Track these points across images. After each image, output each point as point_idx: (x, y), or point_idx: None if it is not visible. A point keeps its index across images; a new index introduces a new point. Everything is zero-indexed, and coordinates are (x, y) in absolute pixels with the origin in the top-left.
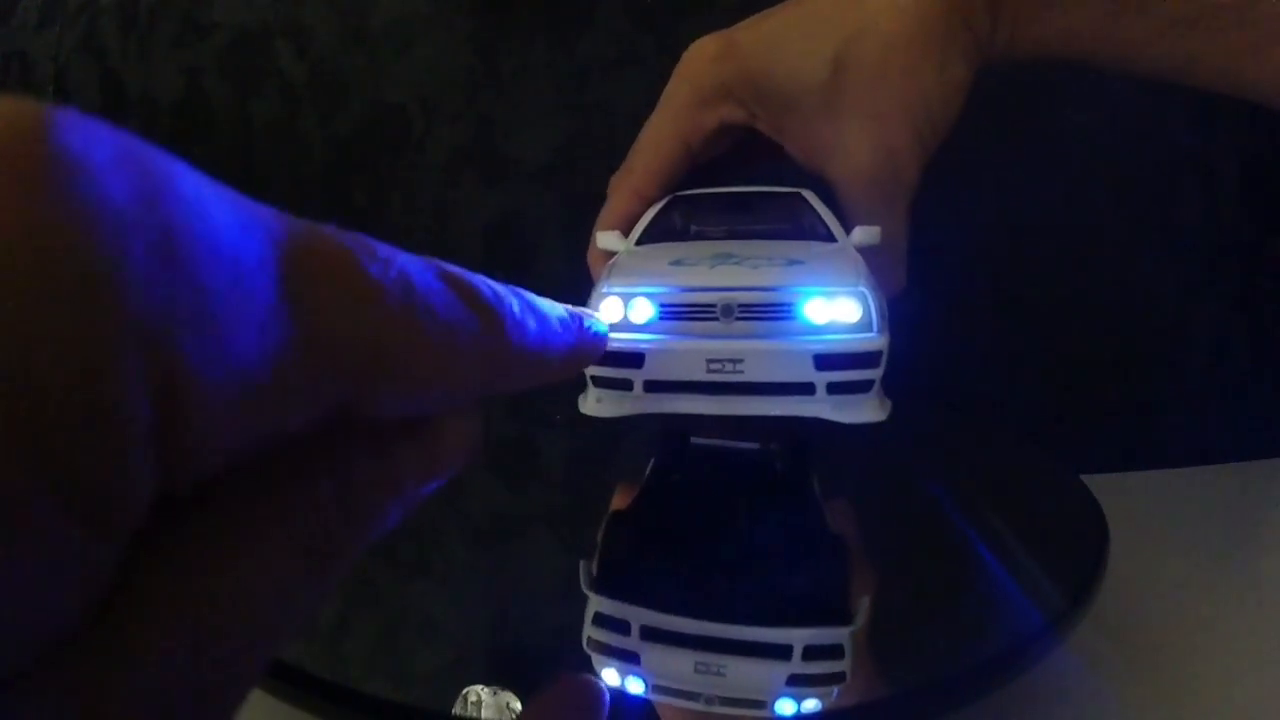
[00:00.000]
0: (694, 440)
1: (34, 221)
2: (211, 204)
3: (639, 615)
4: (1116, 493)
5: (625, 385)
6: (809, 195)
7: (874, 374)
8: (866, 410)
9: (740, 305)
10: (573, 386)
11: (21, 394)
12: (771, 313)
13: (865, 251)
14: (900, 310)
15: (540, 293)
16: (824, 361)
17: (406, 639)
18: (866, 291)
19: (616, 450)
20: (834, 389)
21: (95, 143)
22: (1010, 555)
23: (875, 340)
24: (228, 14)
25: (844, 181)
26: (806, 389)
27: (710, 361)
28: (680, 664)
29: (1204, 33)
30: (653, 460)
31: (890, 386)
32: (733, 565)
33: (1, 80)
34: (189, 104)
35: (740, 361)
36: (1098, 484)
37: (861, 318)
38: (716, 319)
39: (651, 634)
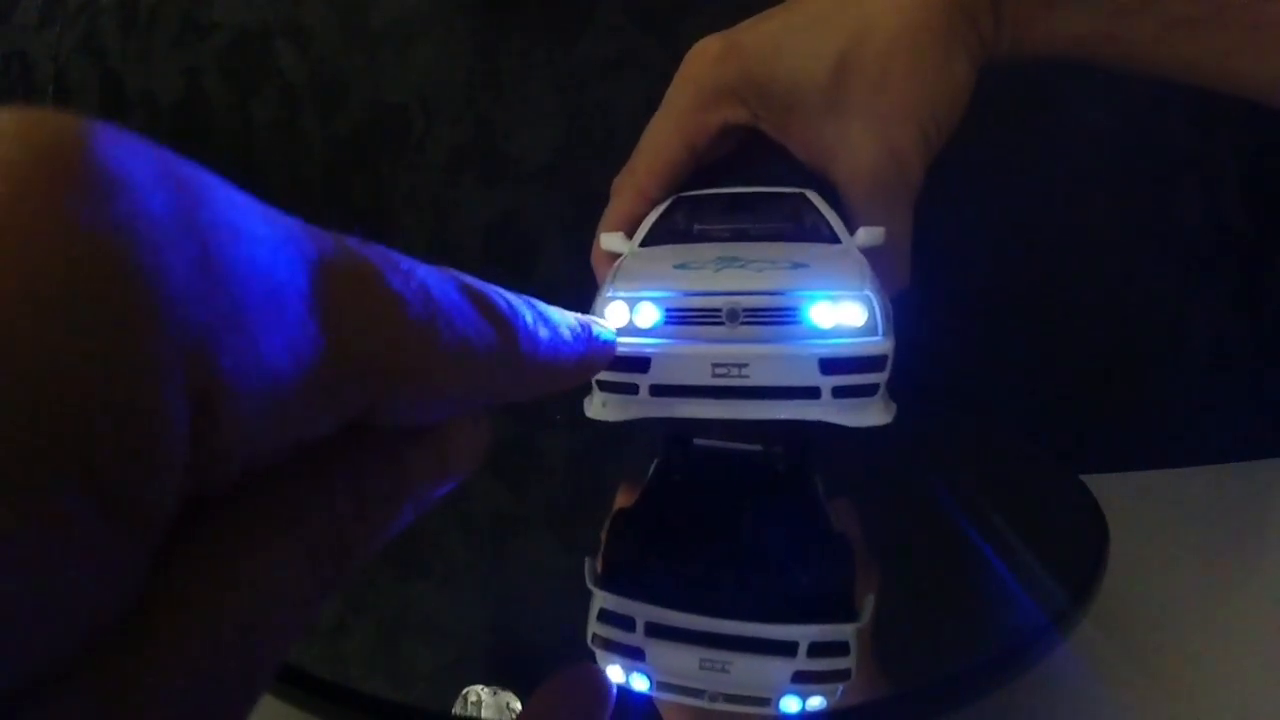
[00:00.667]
0: (697, 442)
1: (78, 235)
2: (246, 219)
3: (644, 611)
4: (1116, 493)
5: (631, 389)
6: (813, 196)
7: (879, 378)
8: (872, 414)
9: (745, 309)
10: (575, 388)
11: (65, 402)
12: (777, 317)
13: (868, 251)
14: (901, 310)
15: (541, 292)
16: (829, 365)
17: (406, 639)
18: (871, 295)
19: (617, 451)
20: (839, 393)
21: (135, 158)
22: (1011, 555)
23: (880, 344)
24: (228, 14)
25: (848, 182)
26: (812, 393)
27: (715, 366)
28: (685, 660)
29: (1208, 33)
30: (655, 461)
31: (891, 387)
32: (737, 563)
33: (1, 80)
34: (189, 104)
35: (745, 366)
36: (1098, 484)
37: (867, 321)
38: (722, 323)
39: (656, 630)
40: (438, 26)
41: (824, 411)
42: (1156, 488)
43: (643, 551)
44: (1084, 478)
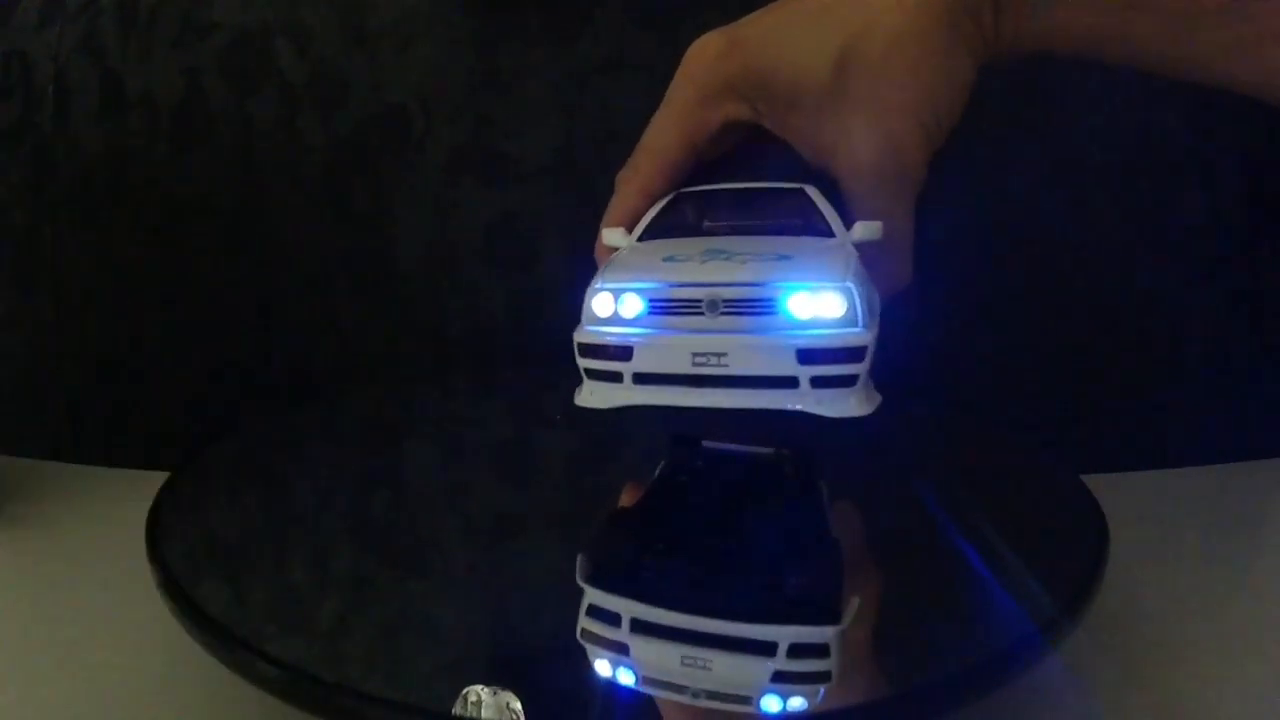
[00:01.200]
0: (705, 444)
1: None
2: None
3: (629, 608)
4: (1116, 493)
5: (615, 377)
6: (812, 191)
7: (859, 368)
8: (851, 404)
9: (725, 300)
10: (574, 386)
11: None
12: (756, 307)
13: (870, 247)
14: (900, 310)
15: (541, 293)
16: (807, 355)
17: (406, 639)
18: (852, 286)
19: (617, 451)
20: (818, 383)
21: None
22: (1010, 555)
23: (860, 335)
24: (228, 14)
25: (849, 176)
26: (790, 383)
27: (695, 355)
28: (668, 657)
29: (1208, 28)
30: (662, 462)
31: (890, 386)
32: (725, 562)
33: (2, 80)
34: (189, 104)
35: (724, 355)
36: (1098, 484)
37: (846, 312)
38: (702, 313)
39: (641, 627)
40: (438, 26)
41: (803, 401)
42: (1156, 488)
43: (632, 549)
44: (1084, 478)
